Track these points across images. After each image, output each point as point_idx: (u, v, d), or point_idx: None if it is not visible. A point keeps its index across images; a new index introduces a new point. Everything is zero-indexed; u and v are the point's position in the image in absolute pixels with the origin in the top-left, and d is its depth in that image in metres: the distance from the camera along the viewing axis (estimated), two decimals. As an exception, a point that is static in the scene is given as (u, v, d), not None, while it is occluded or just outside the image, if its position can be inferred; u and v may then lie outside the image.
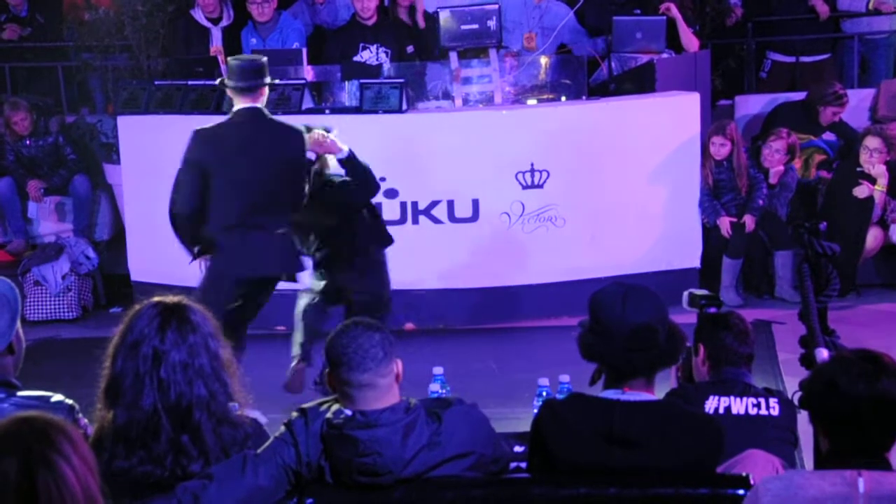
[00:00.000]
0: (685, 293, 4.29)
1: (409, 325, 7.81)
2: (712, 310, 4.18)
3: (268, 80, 5.94)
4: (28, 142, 9.21)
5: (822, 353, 3.41)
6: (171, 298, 3.24)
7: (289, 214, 5.87)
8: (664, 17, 8.64)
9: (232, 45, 9.05)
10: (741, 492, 2.97)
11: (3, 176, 9.29)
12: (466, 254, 7.85)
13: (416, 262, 7.72)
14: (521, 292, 7.94)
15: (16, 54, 10.21)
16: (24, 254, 9.03)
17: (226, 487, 3.05)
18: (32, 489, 2.03)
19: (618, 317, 3.10)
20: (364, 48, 8.94)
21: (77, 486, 2.06)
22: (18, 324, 3.35)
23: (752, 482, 3.01)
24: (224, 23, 9.24)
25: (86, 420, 3.36)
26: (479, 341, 7.57)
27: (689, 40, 8.77)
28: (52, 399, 3.30)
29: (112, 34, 9.36)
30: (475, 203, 7.81)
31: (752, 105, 9.50)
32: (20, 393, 3.29)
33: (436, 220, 7.80)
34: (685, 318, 3.81)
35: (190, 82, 8.01)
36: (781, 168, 8.34)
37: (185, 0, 9.36)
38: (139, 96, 8.09)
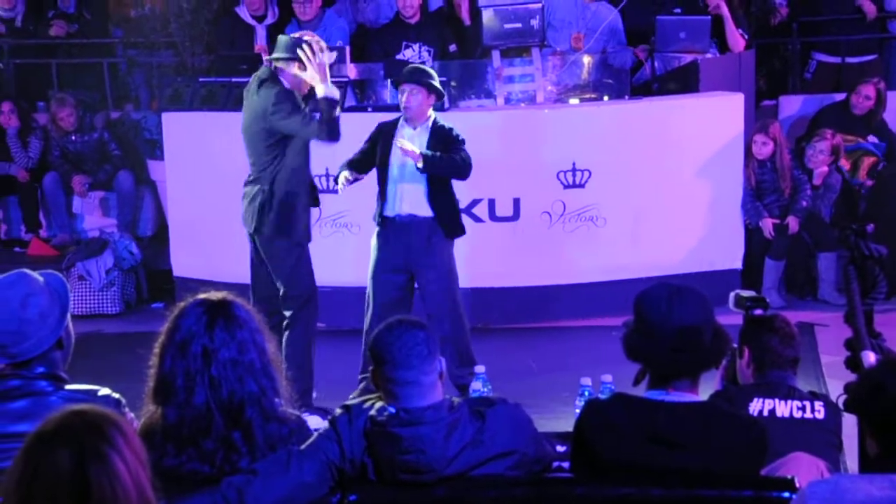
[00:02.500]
0: (731, 294, 4.27)
1: (449, 324, 7.80)
2: (758, 312, 4.15)
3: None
4: (73, 137, 9.31)
5: (869, 357, 3.39)
6: (215, 295, 3.24)
7: None
8: (708, 17, 8.60)
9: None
10: (786, 495, 2.95)
11: (48, 171, 9.40)
12: (507, 253, 7.84)
13: (456, 260, 7.72)
14: (562, 292, 7.92)
15: (63, 51, 10.33)
16: (69, 248, 9.12)
17: (270, 483, 3.06)
18: (85, 482, 2.04)
19: (663, 317, 3.08)
20: (407, 46, 8.95)
21: (129, 479, 2.08)
22: (69, 318, 3.38)
23: (796, 485, 2.99)
24: (269, 21, 9.29)
25: (132, 414, 3.38)
26: (519, 341, 7.56)
27: (736, 40, 8.71)
28: (100, 393, 3.33)
29: (157, 31, 9.46)
30: (516, 202, 7.80)
31: (796, 106, 9.43)
32: (68, 386, 3.32)
33: (477, 219, 7.79)
34: (729, 319, 3.78)
35: (234, 79, 8.04)
36: (825, 169, 8.28)
37: (229, -3, 9.44)
38: (183, 93, 8.16)
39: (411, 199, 6.17)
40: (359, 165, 6.24)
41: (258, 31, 9.25)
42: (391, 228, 6.21)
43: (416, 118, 6.16)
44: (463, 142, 6.18)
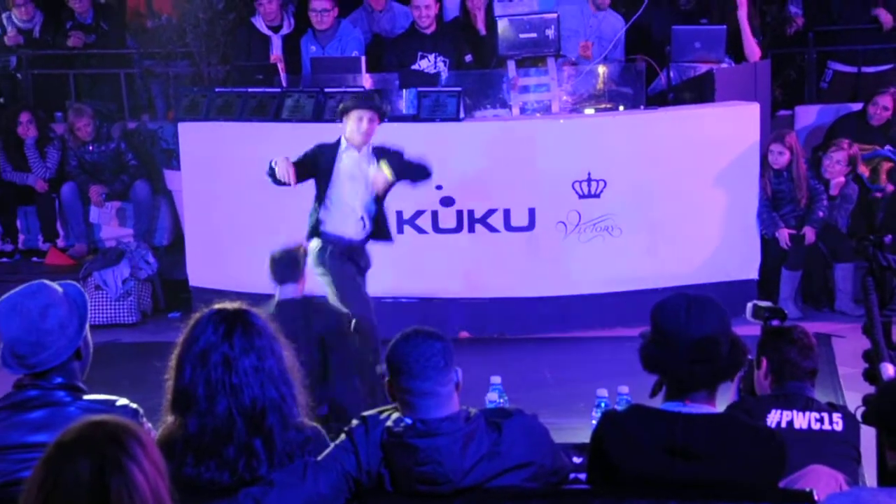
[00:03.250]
0: (749, 304, 4.25)
1: (465, 334, 7.81)
2: (775, 322, 4.14)
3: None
4: (91, 147, 9.35)
5: (888, 369, 3.37)
6: (230, 305, 3.25)
7: None
8: (724, 27, 8.60)
9: (292, 53, 9.13)
10: (805, 507, 2.94)
11: (66, 181, 9.44)
12: (522, 263, 7.84)
13: (471, 270, 7.73)
14: (577, 302, 7.91)
15: (80, 61, 10.37)
16: (86, 258, 9.16)
17: (287, 494, 3.06)
18: (104, 492, 2.05)
19: (681, 328, 3.07)
20: (422, 57, 8.96)
21: (147, 489, 2.08)
22: (87, 329, 3.40)
23: (815, 498, 2.98)
24: (285, 31, 9.32)
25: (149, 425, 3.39)
26: (534, 351, 7.55)
27: (752, 49, 8.70)
28: (117, 403, 3.34)
29: (174, 41, 9.49)
30: (531, 212, 7.80)
31: (812, 116, 9.41)
32: (86, 397, 3.33)
33: (492, 229, 7.80)
34: (745, 329, 3.77)
35: (250, 89, 8.08)
36: (842, 179, 8.25)
37: (245, 8, 9.45)
38: (199, 103, 8.16)
39: (355, 223, 6.31)
40: (297, 172, 6.27)
41: (274, 42, 9.28)
42: (339, 247, 6.30)
43: (366, 143, 6.26)
44: (403, 150, 6.34)
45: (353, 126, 6.22)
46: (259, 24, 9.28)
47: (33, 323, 3.25)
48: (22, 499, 2.08)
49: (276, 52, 9.15)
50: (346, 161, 6.26)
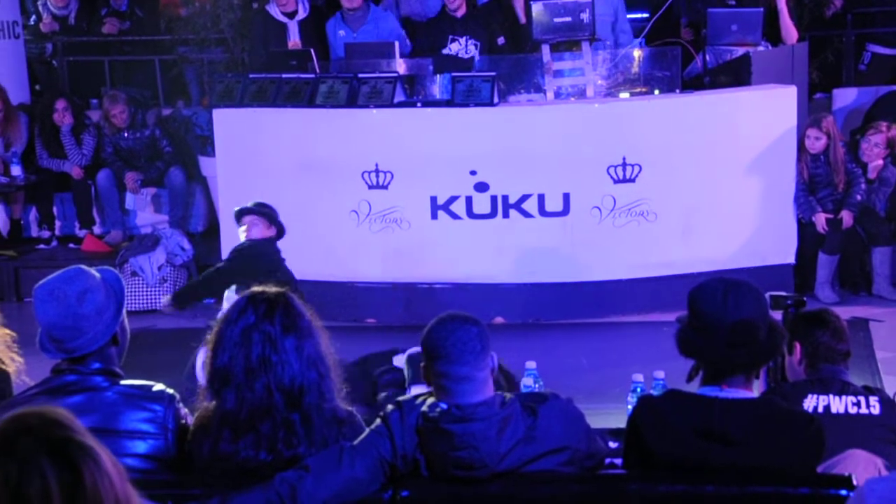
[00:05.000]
0: (766, 295, 4.20)
1: (499, 319, 7.80)
2: (794, 310, 4.10)
3: None
4: (126, 134, 9.40)
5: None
6: (270, 290, 3.28)
7: None
8: (761, 9, 8.51)
9: (309, 38, 9.09)
10: (844, 492, 2.92)
11: (101, 168, 9.50)
12: (557, 248, 7.81)
13: (505, 255, 7.72)
14: (612, 287, 7.87)
15: (115, 48, 10.43)
16: (122, 245, 9.22)
17: (323, 479, 3.07)
18: (75, 473, 1.91)
19: (718, 313, 3.05)
20: (453, 40, 8.94)
21: (107, 460, 1.96)
22: (124, 314, 3.42)
23: (854, 483, 2.95)
24: (300, 16, 9.27)
25: (185, 409, 3.41)
26: (569, 336, 7.53)
27: (790, 31, 8.61)
28: (154, 388, 3.36)
29: (208, 28, 9.51)
30: (566, 197, 7.76)
31: (850, 98, 9.32)
32: (123, 382, 3.36)
33: (526, 214, 7.77)
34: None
35: (284, 75, 8.08)
36: (881, 162, 8.16)
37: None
38: (234, 89, 8.17)
39: None
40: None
41: (290, 28, 9.23)
42: None
43: None
44: None
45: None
46: (274, 11, 9.21)
47: (70, 308, 3.27)
48: None
49: (293, 39, 9.12)
50: None
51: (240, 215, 6.48)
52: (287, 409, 3.15)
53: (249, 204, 6.52)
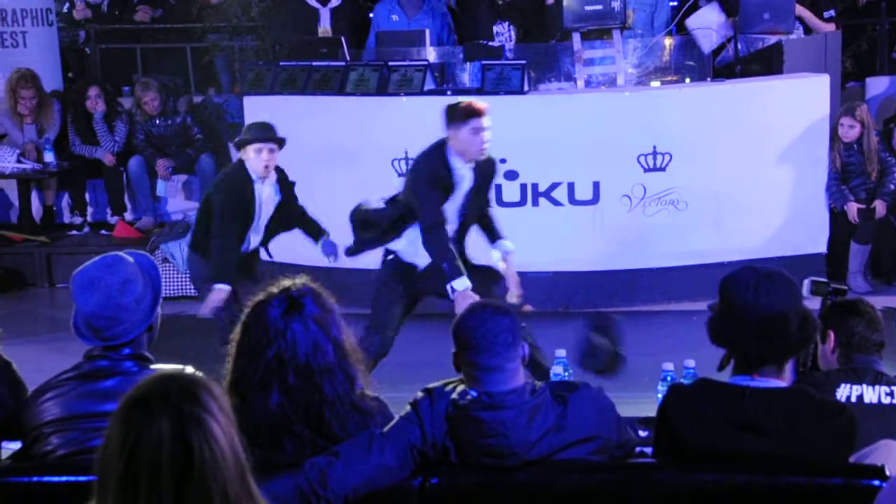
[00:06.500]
0: (806, 281, 4.17)
1: (528, 307, 7.78)
2: (834, 298, 4.07)
3: None
4: (157, 121, 9.44)
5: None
6: (295, 284, 3.23)
7: None
8: (794, -3, 8.45)
9: (340, 25, 9.07)
10: (876, 482, 2.89)
11: (133, 155, 9.54)
12: (586, 236, 7.79)
13: (535, 243, 7.69)
14: (642, 276, 7.86)
15: (147, 35, 10.47)
16: (153, 231, 9.26)
17: (352, 465, 3.06)
18: (186, 448, 2.03)
19: (750, 302, 3.03)
20: (499, 23, 8.96)
21: (225, 442, 2.06)
22: (160, 304, 3.43)
23: (887, 473, 2.93)
24: (333, 3, 9.27)
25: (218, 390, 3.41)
26: (599, 325, 7.50)
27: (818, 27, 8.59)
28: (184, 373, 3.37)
29: (239, 16, 9.52)
30: (596, 185, 7.74)
31: (883, 86, 9.23)
32: (153, 366, 3.37)
33: (556, 203, 7.76)
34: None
35: (314, 63, 8.09)
36: (915, 152, 8.10)
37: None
38: (264, 77, 8.19)
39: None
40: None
41: (322, 14, 9.23)
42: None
43: (269, 174, 6.29)
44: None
45: (258, 158, 6.24)
46: None
47: (112, 298, 3.30)
48: (100, 459, 2.08)
49: (325, 25, 9.11)
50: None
51: (265, 139, 6.27)
52: (307, 428, 3.12)
53: (260, 129, 6.37)
